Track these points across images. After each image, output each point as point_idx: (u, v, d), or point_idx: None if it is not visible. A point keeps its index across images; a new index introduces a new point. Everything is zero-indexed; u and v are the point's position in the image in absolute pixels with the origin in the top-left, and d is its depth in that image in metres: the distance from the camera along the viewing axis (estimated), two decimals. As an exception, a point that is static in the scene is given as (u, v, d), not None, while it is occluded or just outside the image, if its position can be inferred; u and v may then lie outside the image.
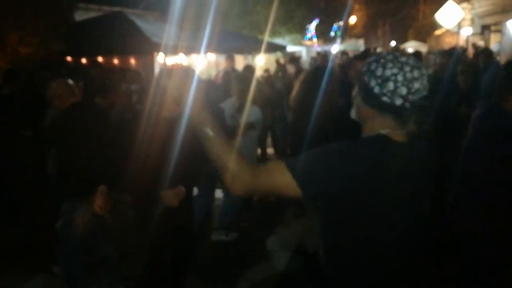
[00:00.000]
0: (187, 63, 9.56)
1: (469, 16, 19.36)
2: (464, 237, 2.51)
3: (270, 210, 5.05)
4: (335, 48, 17.71)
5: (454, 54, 6.15)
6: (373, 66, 1.47)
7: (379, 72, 1.44)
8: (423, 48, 23.30)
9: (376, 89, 1.45)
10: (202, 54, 9.24)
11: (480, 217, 2.38)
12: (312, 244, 3.48)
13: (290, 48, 16.40)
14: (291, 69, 8.48)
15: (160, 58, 8.18)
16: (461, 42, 19.66)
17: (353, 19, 32.68)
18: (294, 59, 10.79)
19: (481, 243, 2.40)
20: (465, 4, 19.22)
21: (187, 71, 1.64)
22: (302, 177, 1.40)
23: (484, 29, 18.28)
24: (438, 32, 23.45)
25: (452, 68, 5.30)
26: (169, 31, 8.09)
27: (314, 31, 20.15)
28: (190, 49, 8.55)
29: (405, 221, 1.50)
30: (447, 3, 17.98)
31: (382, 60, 1.45)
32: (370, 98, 1.48)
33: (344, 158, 1.42)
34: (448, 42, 21.19)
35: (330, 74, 3.54)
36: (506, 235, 2.28)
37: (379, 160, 1.42)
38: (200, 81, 2.46)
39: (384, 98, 1.43)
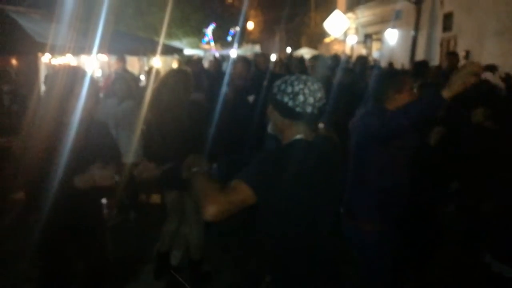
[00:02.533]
0: (76, 64, 9.15)
1: (353, 26, 20.93)
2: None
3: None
4: (233, 53, 18.05)
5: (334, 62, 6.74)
6: (282, 86, 1.84)
7: (289, 89, 1.82)
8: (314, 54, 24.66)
9: (290, 103, 1.82)
10: (93, 55, 8.89)
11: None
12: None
13: (188, 51, 16.39)
14: (188, 70, 8.56)
15: (45, 59, 7.75)
16: (347, 49, 21.19)
17: (250, 25, 33.59)
18: (190, 61, 10.83)
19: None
20: (350, 14, 20.74)
21: (77, 72, 1.69)
22: (258, 188, 1.72)
23: (367, 38, 19.90)
24: (327, 40, 24.99)
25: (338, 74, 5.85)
26: (56, 31, 7.68)
27: (211, 35, 20.37)
28: (80, 50, 8.20)
29: (323, 202, 1.89)
30: (334, 12, 19.26)
31: (289, 80, 1.84)
32: (286, 111, 1.84)
33: (276, 164, 1.77)
34: (336, 49, 22.68)
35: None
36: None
37: (301, 159, 1.79)
38: (93, 82, 2.44)
39: (298, 109, 1.81)
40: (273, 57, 18.93)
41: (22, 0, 11.09)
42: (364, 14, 19.44)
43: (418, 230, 3.14)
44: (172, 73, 3.49)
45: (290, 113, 1.83)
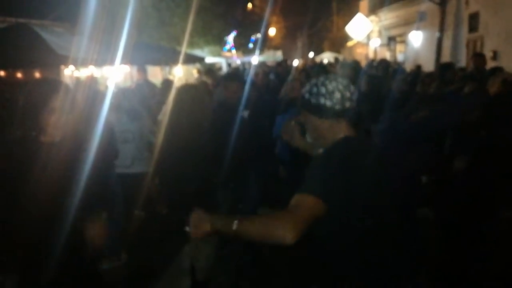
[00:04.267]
0: (100, 75, 9.29)
1: (376, 28, 20.67)
2: None
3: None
4: (254, 59, 18.05)
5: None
6: (314, 89, 1.83)
7: (323, 90, 1.80)
8: (335, 58, 24.51)
9: (328, 103, 1.80)
10: (115, 66, 9.00)
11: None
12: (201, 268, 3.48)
13: (209, 60, 16.46)
14: (208, 80, 8.58)
15: (68, 71, 7.88)
16: (371, 52, 20.92)
17: (272, 31, 33.59)
18: (210, 70, 10.87)
19: None
20: (373, 17, 20.49)
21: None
22: (327, 196, 1.63)
23: (390, 40, 19.61)
24: (350, 43, 24.76)
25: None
26: (79, 43, 7.81)
27: (233, 42, 20.43)
28: (102, 61, 8.31)
29: (385, 200, 1.78)
30: (356, 16, 19.07)
31: (319, 82, 1.82)
32: (325, 112, 1.81)
33: (336, 166, 1.71)
34: (360, 53, 22.48)
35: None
36: None
37: (356, 158, 1.74)
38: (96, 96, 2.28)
39: (337, 107, 1.79)
40: (296, 62, 18.96)
41: (46, 14, 11.36)
42: (387, 17, 19.18)
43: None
44: (183, 91, 3.28)
45: (330, 113, 1.81)
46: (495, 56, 10.20)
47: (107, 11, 10.39)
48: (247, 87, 4.21)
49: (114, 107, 4.28)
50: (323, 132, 1.87)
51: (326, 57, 25.56)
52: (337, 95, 1.80)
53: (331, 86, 1.80)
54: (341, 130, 1.84)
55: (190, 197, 2.57)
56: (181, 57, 11.13)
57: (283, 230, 1.51)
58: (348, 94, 1.81)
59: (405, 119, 2.94)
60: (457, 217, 2.90)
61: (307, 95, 1.85)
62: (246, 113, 4.09)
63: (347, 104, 1.81)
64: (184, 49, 12.55)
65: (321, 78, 1.84)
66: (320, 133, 1.89)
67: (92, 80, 6.83)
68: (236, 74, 5.50)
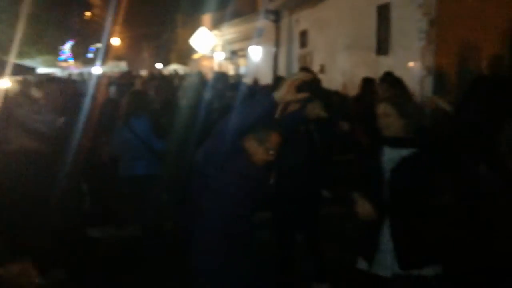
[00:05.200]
0: None
1: (220, 42, 21.35)
2: None
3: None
4: (96, 70, 17.16)
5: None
6: None
7: None
8: (185, 70, 24.64)
9: None
10: None
11: None
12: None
13: (42, 70, 15.11)
14: (36, 93, 7.80)
15: None
16: (216, 65, 21.53)
17: (116, 41, 32.34)
18: (40, 82, 9.95)
19: None
20: (216, 31, 21.12)
21: None
22: None
23: (233, 54, 20.43)
24: (196, 56, 25.13)
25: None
26: None
27: (70, 52, 19.10)
28: None
29: None
30: (199, 29, 19.43)
31: None
32: None
33: None
34: (205, 65, 22.92)
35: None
36: None
37: None
38: None
39: None
40: (144, 73, 18.51)
41: None
42: (229, 31, 19.95)
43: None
44: None
45: None
46: (322, 69, 11.33)
47: None
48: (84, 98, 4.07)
49: None
50: None
51: (174, 69, 25.51)
52: None
53: None
54: None
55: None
56: (9, 68, 10.08)
57: None
58: None
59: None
60: None
61: None
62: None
63: None
64: (12, 59, 11.36)
65: None
66: None
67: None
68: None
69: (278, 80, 7.33)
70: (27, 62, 14.29)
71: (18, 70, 11.48)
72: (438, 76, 7.19)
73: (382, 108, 2.61)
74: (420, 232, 2.51)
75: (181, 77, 14.26)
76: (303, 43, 13.10)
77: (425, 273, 2.50)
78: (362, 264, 2.69)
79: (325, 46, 11.62)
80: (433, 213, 2.53)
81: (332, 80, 10.22)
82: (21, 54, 14.64)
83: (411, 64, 7.80)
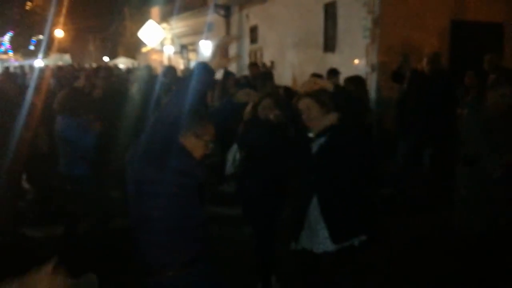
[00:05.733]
0: None
1: (169, 36, 21.01)
2: None
3: None
4: (38, 62, 16.41)
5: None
6: None
7: None
8: (132, 64, 24.10)
9: None
10: None
11: None
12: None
13: (-21, 62, 14.28)
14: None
15: None
16: (165, 59, 21.20)
17: (59, 33, 31.04)
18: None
19: None
20: (165, 25, 20.76)
21: None
22: None
23: (183, 48, 20.18)
24: (144, 49, 24.62)
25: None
26: None
27: (9, 44, 18.15)
28: None
29: None
30: (147, 22, 19.01)
31: None
32: None
33: None
34: (154, 59, 22.53)
35: None
36: None
37: None
38: None
39: None
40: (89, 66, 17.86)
41: None
42: (178, 25, 19.67)
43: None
44: None
45: None
46: (272, 65, 11.44)
47: None
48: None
49: None
50: None
51: (121, 62, 24.87)
52: None
53: None
54: None
55: None
56: None
57: None
58: None
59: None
60: None
61: None
62: None
63: None
64: None
65: None
66: None
67: None
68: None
69: (227, 75, 7.36)
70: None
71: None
72: (382, 73, 7.48)
73: (303, 103, 2.83)
74: (345, 206, 2.75)
75: (129, 71, 13.96)
76: (253, 39, 13.15)
77: (353, 243, 2.74)
78: (293, 245, 2.92)
79: (274, 42, 11.73)
80: (352, 188, 2.79)
81: (281, 76, 10.35)
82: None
83: (356, 61, 8.06)
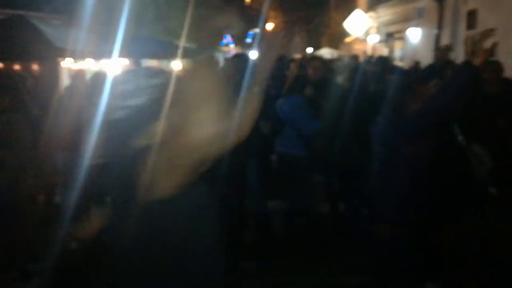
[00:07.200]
0: (97, 68, 9.27)
1: (375, 25, 20.64)
2: None
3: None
4: (253, 54, 18.02)
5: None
6: None
7: None
8: (335, 54, 24.45)
9: None
10: (114, 59, 8.97)
11: None
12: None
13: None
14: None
15: (67, 64, 7.86)
16: (369, 49, 20.92)
17: (270, 26, 33.48)
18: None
19: None
20: (371, 13, 20.47)
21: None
22: None
23: (389, 37, 19.59)
24: (348, 39, 24.73)
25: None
26: (76, 36, 7.77)
27: (230, 37, 20.38)
28: (100, 54, 8.29)
29: None
30: (354, 12, 19.04)
31: None
32: None
33: None
34: (357, 49, 22.41)
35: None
36: None
37: None
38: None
39: None
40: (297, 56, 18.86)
41: (43, 6, 11.28)
42: (385, 13, 19.16)
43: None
44: None
45: None
46: (492, 53, 10.22)
47: (104, 3, 10.35)
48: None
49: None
50: None
51: (325, 53, 25.49)
52: None
53: None
54: None
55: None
56: (179, 51, 11.11)
57: None
58: None
59: (400, 115, 2.86)
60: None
61: None
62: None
63: None
64: (182, 43, 12.53)
65: None
66: None
67: (79, 73, 6.71)
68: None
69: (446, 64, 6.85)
70: (193, 46, 15.66)
71: (187, 53, 12.68)
72: None
73: None
74: None
75: (332, 60, 14.19)
76: (471, 24, 11.95)
77: None
78: None
79: (497, 27, 10.42)
80: None
81: (504, 65, 9.16)
82: (189, 38, 16.14)
83: None
